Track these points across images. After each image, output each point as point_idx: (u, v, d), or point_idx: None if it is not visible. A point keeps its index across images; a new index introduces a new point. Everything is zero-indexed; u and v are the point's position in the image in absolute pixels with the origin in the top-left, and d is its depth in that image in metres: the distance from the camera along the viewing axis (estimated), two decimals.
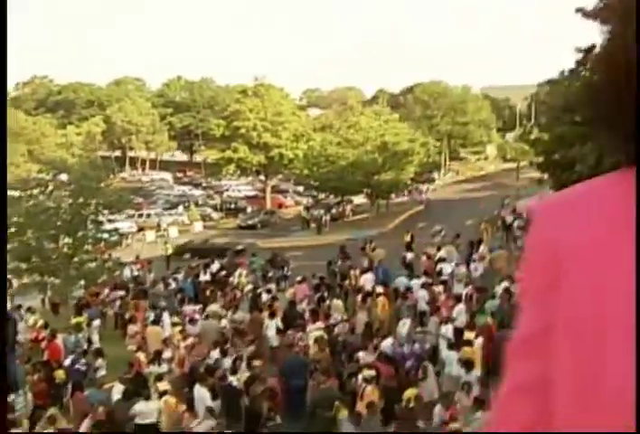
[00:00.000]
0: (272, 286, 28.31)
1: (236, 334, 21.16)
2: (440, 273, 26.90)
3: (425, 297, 22.74)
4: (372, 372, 15.95)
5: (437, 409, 14.57)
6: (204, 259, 35.17)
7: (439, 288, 23.67)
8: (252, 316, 22.91)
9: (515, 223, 35.44)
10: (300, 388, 16.68)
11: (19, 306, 26.19)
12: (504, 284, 21.33)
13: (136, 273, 32.58)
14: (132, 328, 22.77)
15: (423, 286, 23.83)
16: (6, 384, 9.29)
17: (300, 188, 69.78)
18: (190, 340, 20.04)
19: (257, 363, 17.58)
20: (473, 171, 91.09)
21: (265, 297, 25.48)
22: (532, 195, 40.78)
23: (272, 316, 21.77)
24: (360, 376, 16.50)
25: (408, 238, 36.58)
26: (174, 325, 22.25)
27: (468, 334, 18.05)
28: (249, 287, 27.25)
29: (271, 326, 21.56)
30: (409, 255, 31.72)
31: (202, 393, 15.95)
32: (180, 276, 31.01)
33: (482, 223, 38.58)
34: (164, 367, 18.45)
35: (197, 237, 50.57)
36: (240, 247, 42.92)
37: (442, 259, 28.52)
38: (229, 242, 46.01)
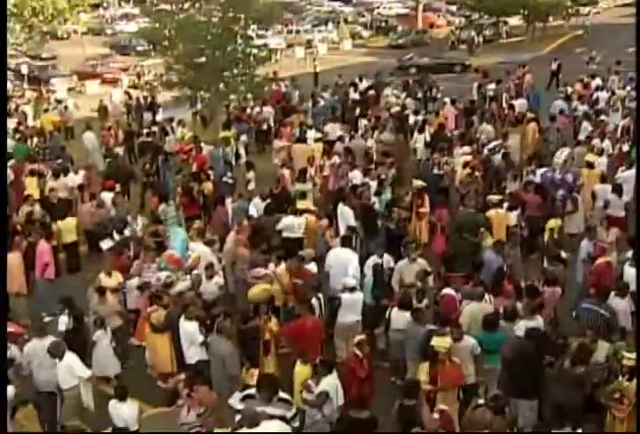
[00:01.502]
0: (419, 107, 27.53)
1: (381, 155, 20.81)
2: (596, 102, 25.38)
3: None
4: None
5: (584, 243, 13.96)
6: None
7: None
8: (397, 136, 22.37)
9: None
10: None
11: (171, 119, 26.64)
12: None
13: (284, 89, 32.24)
14: (278, 144, 22.74)
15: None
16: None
17: (453, 7, 66.30)
18: (335, 158, 19.81)
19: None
20: None
21: (412, 118, 24.79)
22: None
23: (421, 131, 21.73)
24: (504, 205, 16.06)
25: (554, 66, 34.20)
26: (318, 141, 21.95)
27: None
28: (397, 108, 26.42)
29: (419, 140, 21.60)
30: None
31: (345, 212, 15.90)
32: (327, 94, 30.51)
33: None
34: (309, 185, 18.42)
35: (346, 55, 49.39)
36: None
37: (599, 88, 26.83)
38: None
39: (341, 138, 22.04)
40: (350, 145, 21.22)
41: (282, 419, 9.03)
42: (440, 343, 10.18)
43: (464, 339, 10.62)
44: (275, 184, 17.83)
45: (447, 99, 27.37)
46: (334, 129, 23.55)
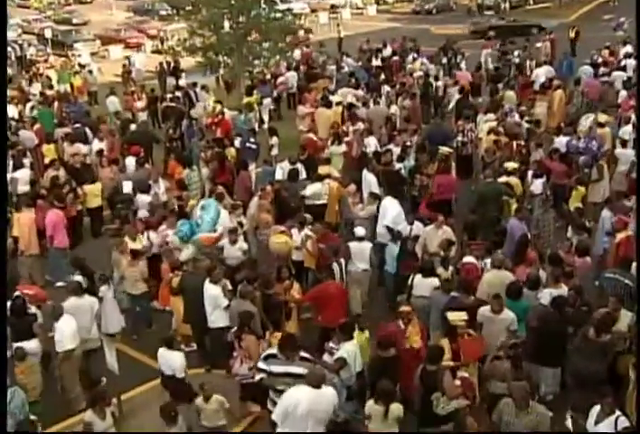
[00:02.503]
0: (442, 73, 27.40)
1: (404, 121, 20.66)
2: (624, 69, 24.98)
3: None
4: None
5: (605, 213, 13.81)
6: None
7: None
8: (415, 103, 22.15)
9: None
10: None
11: (194, 84, 26.51)
12: None
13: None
14: (302, 109, 22.57)
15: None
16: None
17: None
18: (359, 124, 19.67)
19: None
20: None
21: (435, 84, 24.61)
22: None
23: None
24: (529, 173, 15.93)
25: (572, 34, 33.55)
26: (344, 106, 21.77)
27: None
28: (420, 73, 26.16)
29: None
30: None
31: (369, 179, 15.81)
32: (350, 59, 30.24)
33: None
34: (342, 147, 18.31)
35: (371, 20, 48.87)
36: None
37: (628, 55, 26.35)
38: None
39: (365, 103, 21.88)
40: (370, 111, 21.07)
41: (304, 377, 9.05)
42: (455, 317, 10.03)
43: (503, 312, 10.41)
44: (300, 151, 17.75)
45: (462, 65, 27.31)
46: (344, 95, 23.29)
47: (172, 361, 10.37)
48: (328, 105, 21.56)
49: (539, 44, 30.80)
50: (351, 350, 9.78)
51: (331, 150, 18.14)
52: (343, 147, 18.24)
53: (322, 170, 16.28)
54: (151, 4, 55.51)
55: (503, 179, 15.29)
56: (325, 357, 10.09)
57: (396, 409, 8.97)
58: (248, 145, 18.91)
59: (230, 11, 26.49)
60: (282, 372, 9.17)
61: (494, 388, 9.71)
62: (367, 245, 13.01)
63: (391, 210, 13.75)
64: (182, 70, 30.56)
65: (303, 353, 9.35)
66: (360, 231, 13.05)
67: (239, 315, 10.64)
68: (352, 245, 12.88)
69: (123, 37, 44.93)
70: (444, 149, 16.73)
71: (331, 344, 10.20)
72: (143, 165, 17.98)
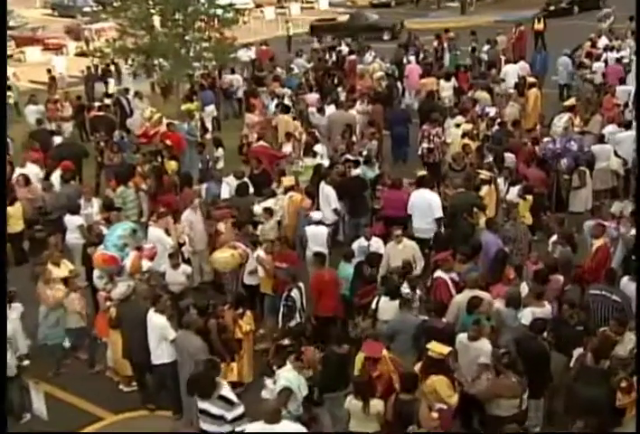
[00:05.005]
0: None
1: (367, 125, 21.09)
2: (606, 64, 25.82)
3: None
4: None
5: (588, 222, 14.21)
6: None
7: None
8: (377, 107, 22.53)
9: None
10: (404, 136, 21.66)
11: (126, 90, 26.50)
12: None
13: (253, 56, 32.34)
14: (251, 118, 22.60)
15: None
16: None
17: None
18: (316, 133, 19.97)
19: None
20: None
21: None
22: None
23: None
24: (500, 179, 16.23)
25: (540, 25, 34.19)
26: (294, 114, 22.02)
27: None
28: (380, 73, 26.55)
29: None
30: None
31: (326, 191, 16.03)
32: (302, 60, 30.51)
33: None
34: (317, 159, 18.51)
35: (322, 16, 49.24)
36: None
37: (609, 48, 27.20)
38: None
39: (321, 110, 22.21)
40: (331, 117, 21.42)
41: (221, 418, 9.30)
42: (437, 350, 9.99)
43: (480, 340, 10.50)
44: (254, 163, 17.87)
45: (412, 58, 28.39)
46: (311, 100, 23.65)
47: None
48: (287, 111, 21.82)
49: (501, 38, 31.09)
50: (290, 377, 9.93)
51: (306, 162, 18.31)
52: (319, 159, 18.50)
53: (287, 182, 16.48)
54: None
55: (484, 190, 15.59)
56: (264, 394, 10.33)
57: (377, 404, 9.28)
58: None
59: (165, 7, 26.51)
60: (200, 408, 9.51)
61: (500, 409, 9.78)
62: (323, 229, 14.54)
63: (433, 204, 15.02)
64: (111, 74, 30.52)
65: (224, 392, 9.48)
66: (316, 215, 14.86)
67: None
68: (308, 229, 14.50)
69: (41, 37, 44.60)
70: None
71: (266, 381, 10.47)
72: (69, 181, 17.93)
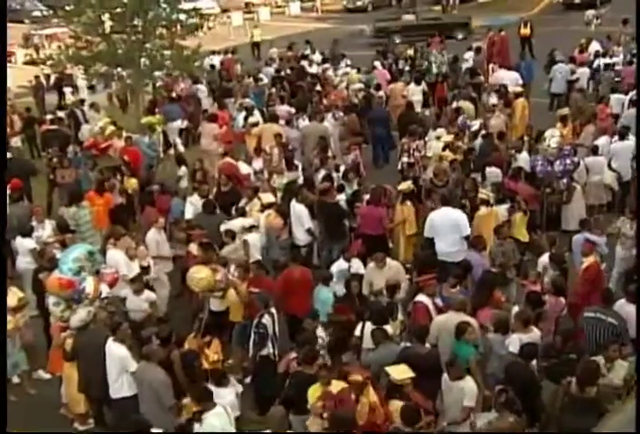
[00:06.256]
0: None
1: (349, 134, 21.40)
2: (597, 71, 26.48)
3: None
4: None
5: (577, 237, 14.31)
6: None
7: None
8: (350, 117, 22.64)
9: None
10: (384, 137, 22.92)
11: (82, 101, 26.41)
12: None
13: (218, 64, 32.39)
14: (213, 128, 22.37)
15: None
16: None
17: None
18: (289, 147, 20.01)
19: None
20: None
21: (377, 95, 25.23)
22: None
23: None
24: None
25: (526, 30, 34.79)
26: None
27: None
28: (358, 85, 26.71)
29: None
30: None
31: (298, 210, 16.02)
32: (271, 69, 30.58)
33: None
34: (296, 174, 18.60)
35: (294, 21, 49.51)
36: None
37: (601, 54, 27.71)
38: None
39: (289, 122, 22.29)
40: (304, 129, 21.52)
41: None
42: (398, 374, 10.05)
43: (464, 380, 10.41)
44: (222, 180, 17.82)
45: (377, 63, 28.84)
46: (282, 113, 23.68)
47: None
48: (276, 119, 21.93)
49: (478, 44, 31.44)
50: (218, 425, 9.86)
51: (290, 177, 18.32)
52: (299, 173, 18.56)
53: (265, 199, 16.44)
54: (20, 2, 54.60)
55: (482, 211, 15.57)
56: None
57: None
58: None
59: (123, 12, 26.44)
60: None
61: None
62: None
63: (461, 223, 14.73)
64: (65, 85, 30.41)
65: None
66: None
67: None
68: None
69: None
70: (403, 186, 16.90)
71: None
72: (18, 201, 17.73)
